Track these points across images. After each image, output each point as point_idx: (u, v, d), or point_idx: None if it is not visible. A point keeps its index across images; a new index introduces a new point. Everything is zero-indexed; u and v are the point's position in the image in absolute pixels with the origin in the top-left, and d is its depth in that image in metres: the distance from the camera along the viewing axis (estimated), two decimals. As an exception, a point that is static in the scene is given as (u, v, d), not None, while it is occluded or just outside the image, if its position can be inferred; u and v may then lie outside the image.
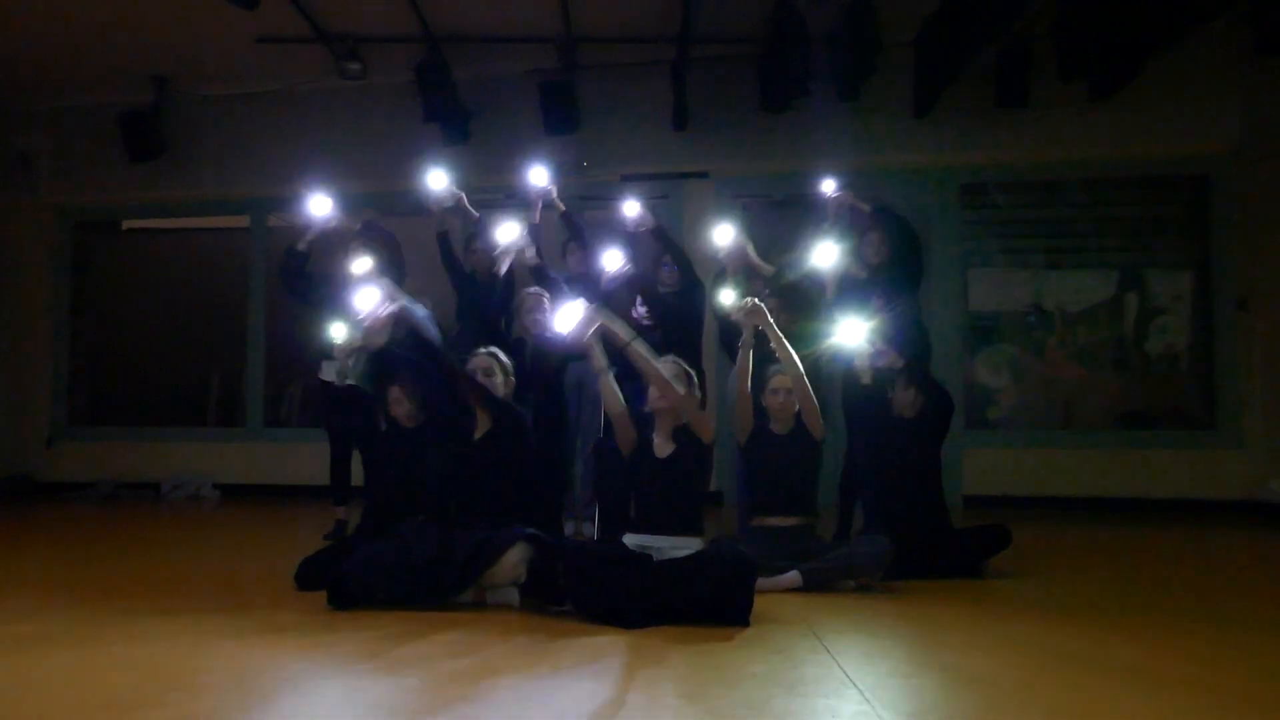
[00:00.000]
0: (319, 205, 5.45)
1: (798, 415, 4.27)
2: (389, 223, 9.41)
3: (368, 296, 4.05)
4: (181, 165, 8.56)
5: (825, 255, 4.90)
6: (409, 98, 7.86)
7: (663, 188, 8.15)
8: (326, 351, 5.67)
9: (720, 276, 5.32)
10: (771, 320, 4.06)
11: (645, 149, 8.07)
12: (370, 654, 2.81)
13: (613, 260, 5.16)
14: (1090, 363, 8.12)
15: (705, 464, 3.93)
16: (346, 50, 7.59)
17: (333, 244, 5.70)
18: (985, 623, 3.32)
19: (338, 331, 4.37)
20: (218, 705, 2.30)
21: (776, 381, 4.28)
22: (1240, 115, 7.44)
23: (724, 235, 5.09)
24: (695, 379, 4.10)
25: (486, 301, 5.36)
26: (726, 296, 4.58)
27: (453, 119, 7.82)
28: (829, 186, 5.54)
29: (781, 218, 8.72)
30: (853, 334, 4.40)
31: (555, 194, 5.69)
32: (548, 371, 4.96)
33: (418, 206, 8.46)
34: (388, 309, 4.02)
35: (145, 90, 8.40)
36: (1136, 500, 7.42)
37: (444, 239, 5.52)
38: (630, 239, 5.53)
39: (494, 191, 8.31)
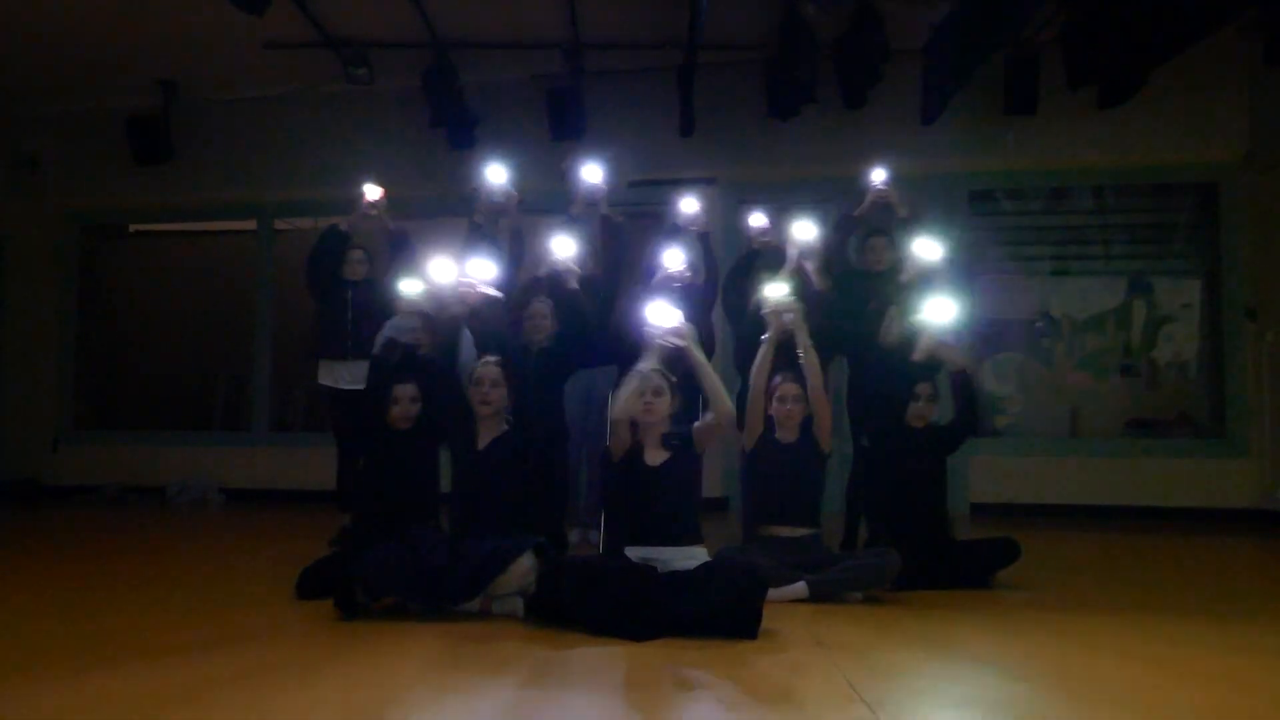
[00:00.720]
0: (371, 192, 5.58)
1: (803, 425, 4.27)
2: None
3: (482, 266, 4.00)
4: (189, 169, 8.57)
5: (927, 250, 4.86)
6: (416, 103, 7.87)
7: (668, 193, 8.12)
8: (340, 352, 5.72)
9: (755, 259, 5.29)
10: (804, 326, 4.12)
11: (651, 155, 8.05)
12: (374, 666, 2.80)
13: (674, 260, 4.94)
14: (1098, 370, 8.10)
15: (697, 470, 3.95)
16: (354, 55, 7.59)
17: (372, 245, 5.82)
18: (995, 635, 3.30)
19: (408, 286, 4.26)
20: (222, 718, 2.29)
21: (784, 389, 4.26)
22: (1249, 123, 7.43)
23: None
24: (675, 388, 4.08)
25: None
26: (775, 289, 4.24)
27: (459, 124, 7.83)
28: (878, 176, 5.43)
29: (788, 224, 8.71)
30: (942, 312, 4.35)
31: (604, 196, 5.65)
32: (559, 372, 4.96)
33: (425, 210, 8.55)
34: (489, 290, 3.96)
35: (153, 94, 8.43)
36: (1144, 509, 7.39)
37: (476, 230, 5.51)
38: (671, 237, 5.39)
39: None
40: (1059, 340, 8.14)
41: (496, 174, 5.48)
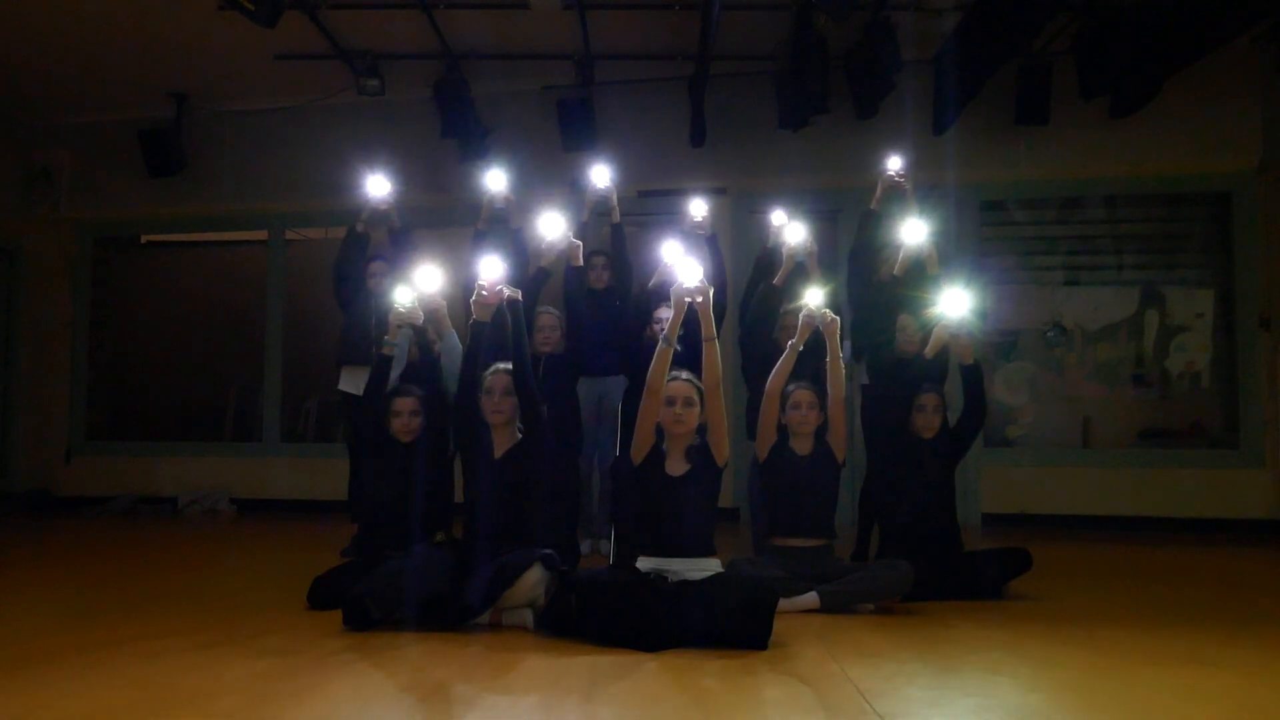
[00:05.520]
0: (376, 185, 5.66)
1: (817, 435, 4.25)
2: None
3: (493, 266, 3.89)
4: (201, 180, 8.61)
5: (913, 232, 4.75)
6: (427, 113, 7.88)
7: (679, 204, 8.12)
8: (363, 358, 5.72)
9: (768, 265, 5.31)
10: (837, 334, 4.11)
11: (662, 165, 8.06)
12: (385, 676, 2.79)
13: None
14: (1110, 380, 8.05)
15: (717, 484, 3.92)
16: (365, 67, 7.62)
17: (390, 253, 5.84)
18: (1007, 646, 3.27)
19: (402, 294, 4.22)
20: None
21: (798, 396, 4.25)
22: (1262, 133, 7.39)
23: (795, 233, 4.92)
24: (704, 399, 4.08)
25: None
26: (814, 295, 4.17)
27: (471, 135, 7.85)
28: (894, 164, 5.40)
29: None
30: (957, 304, 4.32)
31: (615, 200, 5.54)
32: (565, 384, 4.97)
33: (436, 220, 8.57)
34: (507, 291, 3.89)
35: (165, 106, 8.47)
36: (1157, 519, 7.35)
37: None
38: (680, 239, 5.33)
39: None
40: (1071, 350, 8.10)
41: (496, 180, 5.48)
